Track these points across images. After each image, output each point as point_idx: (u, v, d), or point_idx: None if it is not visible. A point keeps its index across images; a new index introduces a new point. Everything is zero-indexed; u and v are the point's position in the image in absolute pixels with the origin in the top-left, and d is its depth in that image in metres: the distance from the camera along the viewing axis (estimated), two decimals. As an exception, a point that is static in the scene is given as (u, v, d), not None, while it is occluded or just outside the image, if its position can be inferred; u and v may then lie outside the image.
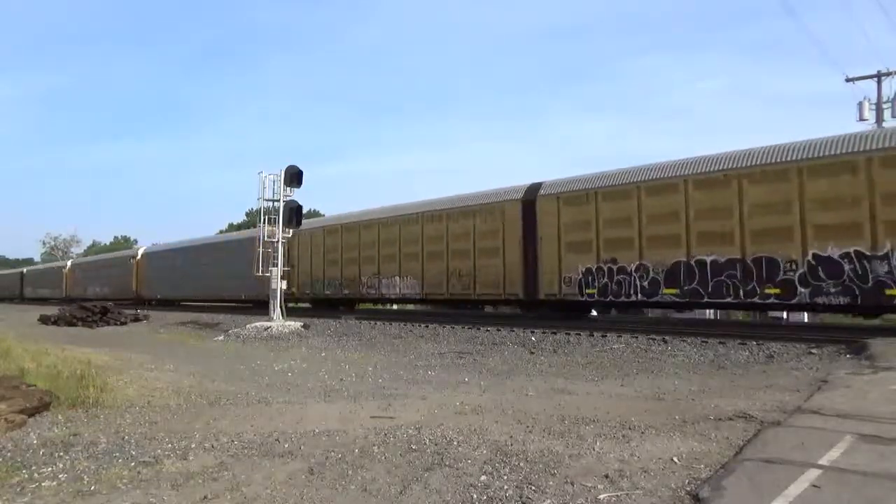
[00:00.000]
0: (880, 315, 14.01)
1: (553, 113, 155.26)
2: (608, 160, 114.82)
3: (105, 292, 42.91)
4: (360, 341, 15.75)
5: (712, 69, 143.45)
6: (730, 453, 4.71)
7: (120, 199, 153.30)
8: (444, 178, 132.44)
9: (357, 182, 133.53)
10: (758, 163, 14.00)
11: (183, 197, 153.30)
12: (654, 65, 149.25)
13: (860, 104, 26.87)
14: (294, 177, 20.65)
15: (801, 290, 13.05)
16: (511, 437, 5.40)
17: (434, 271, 20.97)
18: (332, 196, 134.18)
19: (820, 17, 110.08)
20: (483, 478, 4.30)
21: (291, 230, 21.36)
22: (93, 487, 4.27)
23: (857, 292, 12.36)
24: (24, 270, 65.88)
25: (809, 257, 13.00)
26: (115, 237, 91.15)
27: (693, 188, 14.90)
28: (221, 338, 17.95)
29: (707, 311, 20.78)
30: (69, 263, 54.17)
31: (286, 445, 5.28)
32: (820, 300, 12.86)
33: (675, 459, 4.60)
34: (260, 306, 26.25)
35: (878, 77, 27.29)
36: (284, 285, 20.50)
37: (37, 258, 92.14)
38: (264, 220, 20.70)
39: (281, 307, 19.98)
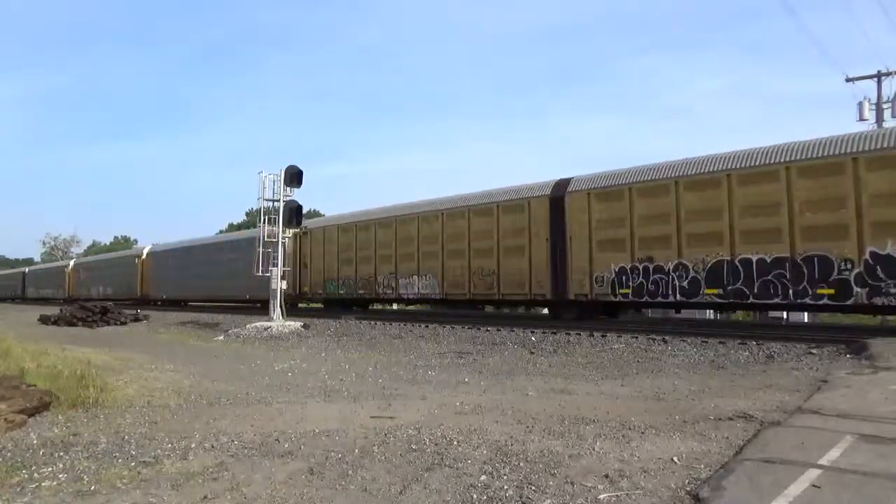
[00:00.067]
0: None
1: (553, 113, 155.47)
2: (608, 160, 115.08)
3: (109, 292, 42.55)
4: (360, 341, 15.75)
5: (712, 69, 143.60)
6: (730, 453, 4.71)
7: (120, 199, 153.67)
8: (444, 178, 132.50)
9: (357, 182, 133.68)
10: (809, 155, 13.33)
11: (183, 197, 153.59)
12: (654, 65, 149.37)
13: (860, 104, 26.91)
14: (294, 177, 20.64)
15: (857, 290, 12.41)
16: (511, 437, 5.40)
17: (455, 271, 20.37)
18: (332, 196, 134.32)
19: (820, 17, 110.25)
20: (483, 478, 4.30)
21: (292, 230, 21.32)
22: (93, 487, 4.27)
23: None
24: (27, 270, 65.61)
25: (867, 256, 12.35)
26: (115, 237, 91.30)
27: (736, 183, 14.25)
28: (221, 338, 17.95)
29: (707, 311, 20.57)
30: (72, 263, 53.80)
31: (286, 445, 5.28)
32: (878, 301, 12.22)
33: (675, 459, 4.60)
34: (262, 307, 26.08)
35: (878, 77, 27.31)
36: (284, 285, 20.49)
37: (37, 258, 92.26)
38: (264, 220, 20.69)
39: (281, 307, 19.98)
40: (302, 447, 5.20)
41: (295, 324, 18.91)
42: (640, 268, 15.73)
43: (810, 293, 13.03)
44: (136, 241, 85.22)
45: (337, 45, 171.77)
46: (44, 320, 25.55)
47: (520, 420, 6.09)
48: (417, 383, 8.95)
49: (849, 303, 12.66)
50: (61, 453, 5.09)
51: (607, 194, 16.63)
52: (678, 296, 15.04)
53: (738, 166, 14.38)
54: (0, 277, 72.45)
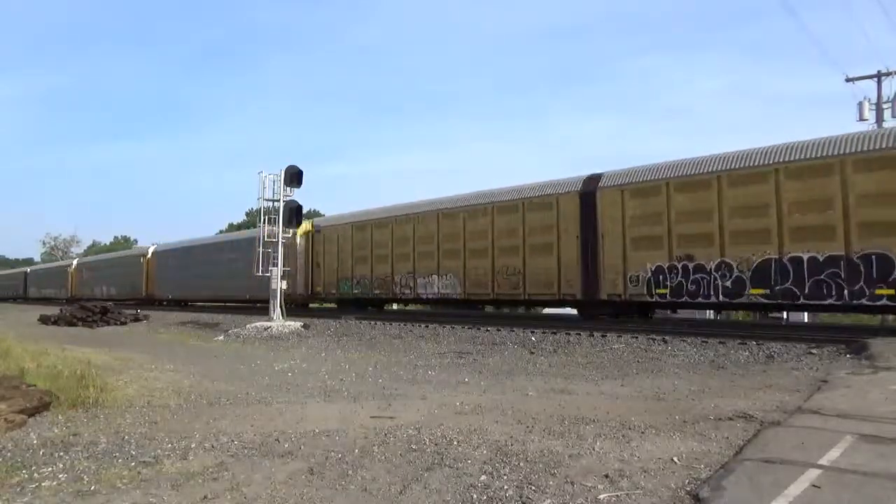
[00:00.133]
0: None
1: (553, 113, 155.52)
2: (608, 160, 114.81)
3: (113, 292, 42.04)
4: (360, 341, 15.75)
5: (712, 69, 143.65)
6: (730, 453, 4.71)
7: (120, 199, 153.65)
8: (443, 178, 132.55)
9: (357, 182, 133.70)
10: (867, 148, 12.62)
11: (183, 197, 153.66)
12: (654, 65, 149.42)
13: (860, 104, 26.90)
14: (294, 177, 20.65)
15: None
16: (511, 437, 5.40)
17: (477, 270, 19.64)
18: (332, 196, 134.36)
19: (820, 17, 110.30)
20: (483, 478, 4.30)
21: (300, 229, 21.23)
22: (93, 487, 4.27)
23: None
24: (28, 270, 65.00)
25: None
26: (115, 237, 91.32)
27: (785, 178, 13.50)
28: (221, 338, 17.95)
29: (707, 311, 20.36)
30: (75, 262, 53.20)
31: (286, 445, 5.28)
32: None
33: (675, 459, 4.60)
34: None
35: (878, 77, 27.31)
36: (284, 285, 20.49)
37: (37, 258, 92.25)
38: (264, 220, 20.70)
39: (281, 307, 19.99)
40: (302, 447, 5.20)
41: (295, 324, 18.91)
42: (679, 267, 15.00)
43: (867, 293, 12.34)
44: (136, 241, 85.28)
45: (337, 45, 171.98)
46: (44, 320, 25.55)
47: (520, 420, 6.09)
48: (417, 383, 8.95)
49: None
50: (61, 453, 5.09)
51: (643, 190, 15.90)
52: (720, 296, 14.32)
53: (786, 160, 13.68)
54: (1, 277, 72.11)
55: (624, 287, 16.05)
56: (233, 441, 5.45)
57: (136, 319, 25.46)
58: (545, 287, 17.81)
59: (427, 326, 17.15)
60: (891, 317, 15.84)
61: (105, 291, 43.18)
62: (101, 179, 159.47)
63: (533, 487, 4.06)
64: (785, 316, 19.94)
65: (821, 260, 12.98)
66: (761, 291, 13.77)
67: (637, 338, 13.13)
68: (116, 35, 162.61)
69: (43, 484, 4.35)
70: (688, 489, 3.95)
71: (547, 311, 23.71)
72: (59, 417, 6.53)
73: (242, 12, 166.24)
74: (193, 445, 5.33)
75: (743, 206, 14.14)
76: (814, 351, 10.68)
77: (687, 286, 14.86)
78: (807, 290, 13.12)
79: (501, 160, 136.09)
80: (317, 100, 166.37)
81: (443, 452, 4.93)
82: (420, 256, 21.66)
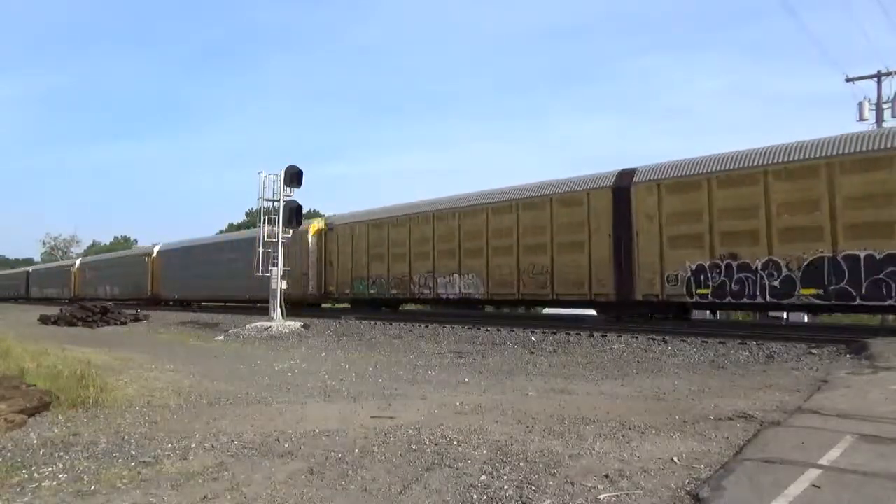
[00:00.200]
0: None
1: (553, 113, 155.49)
2: (608, 160, 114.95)
3: (116, 292, 41.63)
4: (360, 341, 15.75)
5: (712, 69, 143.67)
6: (730, 453, 4.71)
7: (120, 199, 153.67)
8: (444, 178, 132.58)
9: (357, 182, 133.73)
10: None
11: (183, 197, 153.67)
12: (654, 65, 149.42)
13: (860, 104, 26.91)
14: (294, 177, 20.65)
15: None
16: (511, 437, 5.40)
17: (502, 269, 18.91)
18: (332, 196, 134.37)
19: (820, 17, 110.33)
20: (483, 478, 4.30)
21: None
22: (93, 487, 4.27)
23: None
24: (30, 270, 64.30)
25: None
26: (115, 237, 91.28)
27: (840, 172, 12.80)
28: (221, 338, 17.95)
29: (707, 311, 20.30)
30: (78, 262, 52.55)
31: (286, 445, 5.28)
32: None
33: (675, 459, 4.60)
34: (292, 308, 25.38)
35: (878, 77, 27.32)
36: (284, 285, 20.50)
37: (37, 258, 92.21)
38: (264, 220, 20.70)
39: (281, 307, 20.00)
40: (302, 447, 5.21)
41: (295, 324, 18.92)
42: (722, 266, 14.28)
43: None
44: (136, 240, 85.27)
45: (337, 45, 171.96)
46: (44, 320, 25.56)
47: (520, 420, 6.09)
48: (417, 383, 8.95)
49: None
50: (61, 453, 5.09)
51: (682, 185, 15.18)
52: (767, 296, 13.61)
53: (841, 152, 12.97)
54: (3, 277, 71.59)
55: (661, 287, 15.37)
56: (233, 441, 5.46)
57: (136, 319, 25.47)
58: (575, 287, 17.15)
59: (427, 326, 17.15)
60: (891, 317, 15.83)
61: (109, 291, 42.74)
62: (101, 179, 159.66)
63: (533, 487, 4.06)
64: (785, 316, 19.91)
65: (879, 258, 12.32)
66: (813, 292, 13.08)
67: (637, 338, 13.13)
68: (116, 35, 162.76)
69: (43, 484, 4.35)
70: (688, 489, 3.95)
71: (547, 311, 23.68)
72: (59, 417, 6.53)
73: (242, 12, 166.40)
74: (193, 445, 5.33)
75: (792, 202, 13.41)
76: (814, 351, 10.68)
77: (730, 286, 14.17)
78: (864, 291, 12.45)
79: (501, 160, 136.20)
80: (317, 100, 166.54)
81: (443, 452, 4.93)
82: (440, 255, 20.99)
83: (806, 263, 13.16)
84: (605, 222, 16.65)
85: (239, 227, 56.89)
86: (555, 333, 14.37)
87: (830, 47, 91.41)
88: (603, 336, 13.65)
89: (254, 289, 27.35)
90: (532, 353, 12.51)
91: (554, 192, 18.08)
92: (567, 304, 20.07)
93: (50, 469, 4.67)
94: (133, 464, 4.79)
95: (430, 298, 21.91)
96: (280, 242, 20.44)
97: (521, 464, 4.59)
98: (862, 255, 12.54)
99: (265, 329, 18.32)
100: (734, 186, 14.34)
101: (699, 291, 14.70)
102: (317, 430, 5.79)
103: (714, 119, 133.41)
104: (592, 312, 21.63)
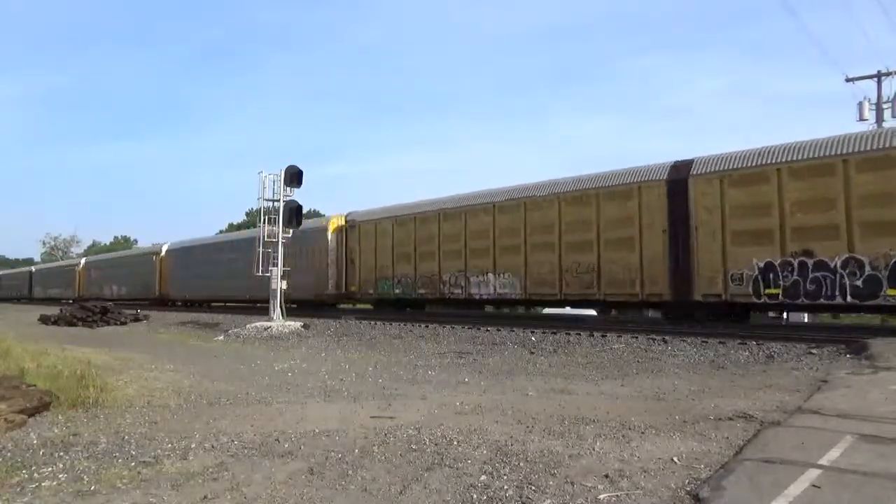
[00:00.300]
0: None
1: (553, 113, 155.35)
2: (608, 160, 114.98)
3: (123, 292, 41.11)
4: (360, 341, 15.75)
5: (712, 69, 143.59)
6: (730, 453, 4.71)
7: (120, 199, 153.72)
8: (444, 178, 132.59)
9: (357, 182, 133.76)
10: None
11: (183, 197, 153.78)
12: (654, 65, 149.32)
13: (860, 104, 26.94)
14: (294, 177, 20.64)
15: None
16: (511, 437, 5.40)
17: (541, 267, 17.98)
18: (332, 196, 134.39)
19: (820, 17, 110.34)
20: (483, 478, 4.30)
21: (340, 224, 21.11)
22: (93, 487, 4.27)
23: None
24: (33, 269, 63.49)
25: None
26: (115, 237, 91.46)
27: None
28: (221, 338, 17.95)
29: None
30: (83, 262, 51.87)
31: (286, 445, 5.28)
32: None
33: (675, 459, 4.60)
34: (307, 308, 24.80)
35: (878, 77, 27.34)
36: (284, 285, 20.50)
37: (37, 258, 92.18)
38: (264, 220, 20.70)
39: (281, 307, 20.00)
40: (302, 447, 5.21)
41: (295, 324, 18.92)
42: (795, 263, 13.32)
43: None
44: (136, 240, 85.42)
45: (337, 45, 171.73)
46: (44, 320, 25.56)
47: (520, 420, 6.09)
48: (417, 383, 8.96)
49: None
50: (61, 453, 5.09)
51: (747, 177, 14.25)
52: (848, 297, 12.69)
53: None
54: (5, 277, 70.99)
55: (724, 286, 14.42)
56: (233, 441, 5.46)
57: (136, 319, 25.48)
58: (625, 286, 16.21)
59: (427, 326, 17.15)
60: (891, 317, 15.82)
61: (115, 291, 42.14)
62: (101, 179, 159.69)
63: (533, 487, 4.06)
64: (785, 316, 19.89)
65: None
66: None
67: (637, 338, 13.14)
68: (116, 35, 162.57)
69: (43, 484, 4.35)
70: (688, 489, 3.95)
71: (547, 311, 23.69)
72: (59, 417, 6.52)
73: (242, 12, 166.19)
74: (193, 445, 5.33)
75: (878, 194, 12.39)
76: (814, 351, 10.68)
77: (805, 286, 13.18)
78: None
79: (501, 160, 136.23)
80: (317, 100, 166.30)
81: (443, 452, 4.93)
82: (472, 253, 20.09)
83: (894, 262, 12.20)
84: (658, 217, 15.78)
85: (239, 227, 56.76)
86: (555, 333, 14.37)
87: (830, 47, 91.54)
88: (603, 336, 13.65)
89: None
90: (532, 353, 12.51)
91: (600, 185, 17.23)
92: (615, 306, 19.18)
93: (50, 469, 4.67)
94: (133, 464, 4.79)
95: (461, 299, 21.00)
96: (280, 242, 20.44)
97: (521, 464, 4.59)
98: None
99: (265, 329, 18.32)
100: (808, 178, 13.37)
101: (768, 291, 13.72)
102: (317, 430, 5.79)
103: (714, 119, 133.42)
104: (592, 312, 21.67)
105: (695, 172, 15.36)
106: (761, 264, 13.86)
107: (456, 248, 20.71)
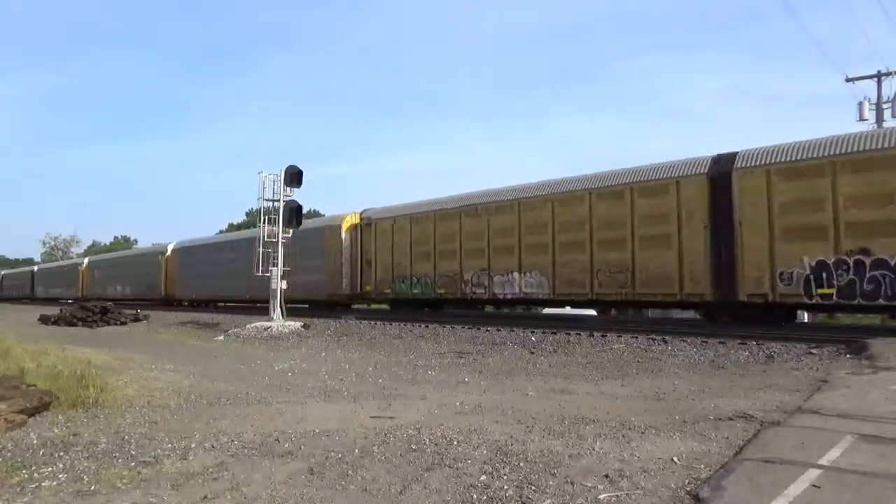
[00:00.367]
0: None
1: (553, 113, 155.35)
2: (608, 160, 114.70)
3: (128, 292, 40.63)
4: (360, 341, 15.75)
5: (712, 69, 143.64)
6: (730, 453, 4.71)
7: (120, 199, 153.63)
8: (444, 178, 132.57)
9: (357, 182, 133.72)
10: None
11: (183, 197, 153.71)
12: (654, 65, 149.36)
13: (860, 104, 26.96)
14: (294, 177, 20.64)
15: None
16: (511, 436, 5.40)
17: (570, 266, 17.28)
18: (332, 196, 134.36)
19: (820, 17, 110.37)
20: (483, 478, 4.30)
21: (352, 222, 21.04)
22: (93, 487, 4.27)
23: None
24: (35, 269, 62.82)
25: None
26: (115, 237, 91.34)
27: None
28: (221, 338, 17.95)
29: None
30: (86, 261, 51.18)
31: (286, 445, 5.28)
32: None
33: (675, 459, 4.60)
34: (320, 307, 24.66)
35: (878, 77, 27.35)
36: (284, 285, 20.49)
37: (37, 258, 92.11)
38: (264, 220, 20.70)
39: (281, 307, 20.00)
40: (302, 447, 5.21)
41: (295, 324, 18.92)
42: (851, 262, 12.57)
43: None
44: (136, 240, 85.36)
45: (337, 45, 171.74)
46: (44, 320, 25.56)
47: (520, 420, 6.09)
48: (417, 383, 8.96)
49: None
50: (61, 453, 5.09)
51: (797, 170, 13.49)
52: None
53: None
54: (7, 277, 70.48)
55: (772, 286, 13.66)
56: (233, 441, 5.46)
57: (136, 319, 25.48)
58: (662, 285, 15.48)
59: (427, 326, 17.14)
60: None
61: (119, 291, 41.62)
62: (101, 179, 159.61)
63: (533, 487, 4.06)
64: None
65: None
66: None
67: (637, 338, 13.14)
68: (116, 35, 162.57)
69: (43, 484, 4.35)
70: (688, 489, 3.95)
71: (547, 311, 23.69)
72: (59, 417, 6.52)
73: (242, 12, 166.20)
74: (193, 445, 5.33)
75: None
76: (814, 351, 10.68)
77: (861, 286, 12.44)
78: None
79: (501, 160, 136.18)
80: (317, 100, 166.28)
81: (443, 452, 4.93)
82: (496, 251, 19.36)
83: None
84: (698, 213, 15.01)
85: (239, 227, 56.63)
86: (555, 333, 14.37)
87: (830, 47, 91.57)
88: (603, 336, 13.65)
89: (291, 289, 24.50)
90: (532, 353, 12.51)
91: (634, 180, 16.46)
92: (652, 305, 18.49)
93: (50, 469, 4.67)
94: (133, 464, 4.79)
95: (484, 299, 20.33)
96: (280, 242, 20.43)
97: (521, 464, 4.59)
98: None
99: (265, 329, 18.32)
100: (865, 171, 12.60)
101: (821, 291, 12.97)
102: (317, 430, 5.79)
103: (714, 119, 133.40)
104: (592, 312, 21.65)
105: (739, 165, 14.60)
106: (813, 263, 13.14)
107: (479, 247, 20.00)
